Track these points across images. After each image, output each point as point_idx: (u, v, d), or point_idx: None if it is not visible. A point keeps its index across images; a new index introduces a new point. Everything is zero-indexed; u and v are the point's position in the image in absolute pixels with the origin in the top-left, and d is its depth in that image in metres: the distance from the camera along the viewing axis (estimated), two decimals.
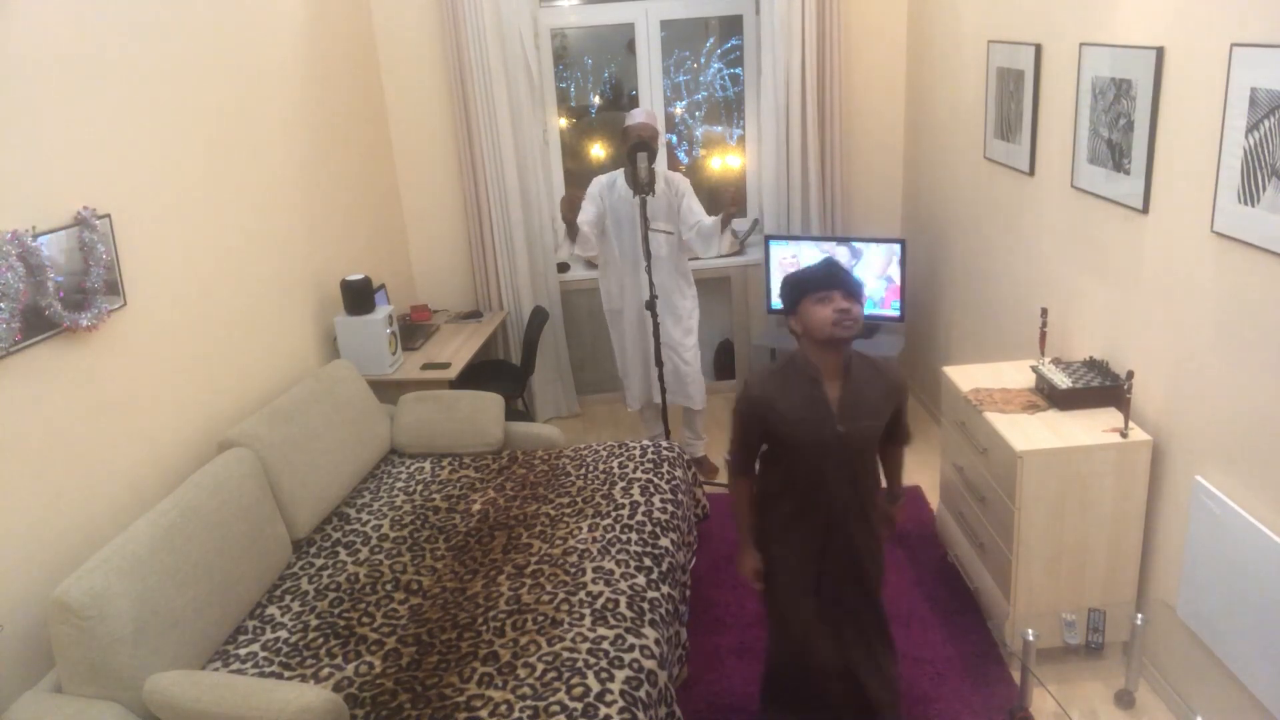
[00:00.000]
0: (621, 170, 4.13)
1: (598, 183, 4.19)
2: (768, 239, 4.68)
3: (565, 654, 2.42)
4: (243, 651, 2.56)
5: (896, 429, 2.48)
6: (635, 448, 3.53)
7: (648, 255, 3.90)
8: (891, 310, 4.50)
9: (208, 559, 2.57)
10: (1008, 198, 3.74)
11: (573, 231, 4.06)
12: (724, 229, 4.02)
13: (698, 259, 4.83)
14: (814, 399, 2.30)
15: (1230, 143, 2.31)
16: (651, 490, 3.23)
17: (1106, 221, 2.99)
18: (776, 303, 4.77)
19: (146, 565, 2.38)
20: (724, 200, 3.97)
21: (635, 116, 4.10)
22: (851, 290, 2.24)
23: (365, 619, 2.67)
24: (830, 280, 2.24)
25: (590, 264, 5.17)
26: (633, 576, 2.75)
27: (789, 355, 2.38)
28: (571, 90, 5.34)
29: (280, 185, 3.69)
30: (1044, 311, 3.23)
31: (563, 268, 5.12)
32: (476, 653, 2.47)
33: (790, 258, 4.62)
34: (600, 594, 2.66)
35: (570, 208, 4.00)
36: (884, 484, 2.57)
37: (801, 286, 2.27)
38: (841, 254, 4.55)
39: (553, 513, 3.15)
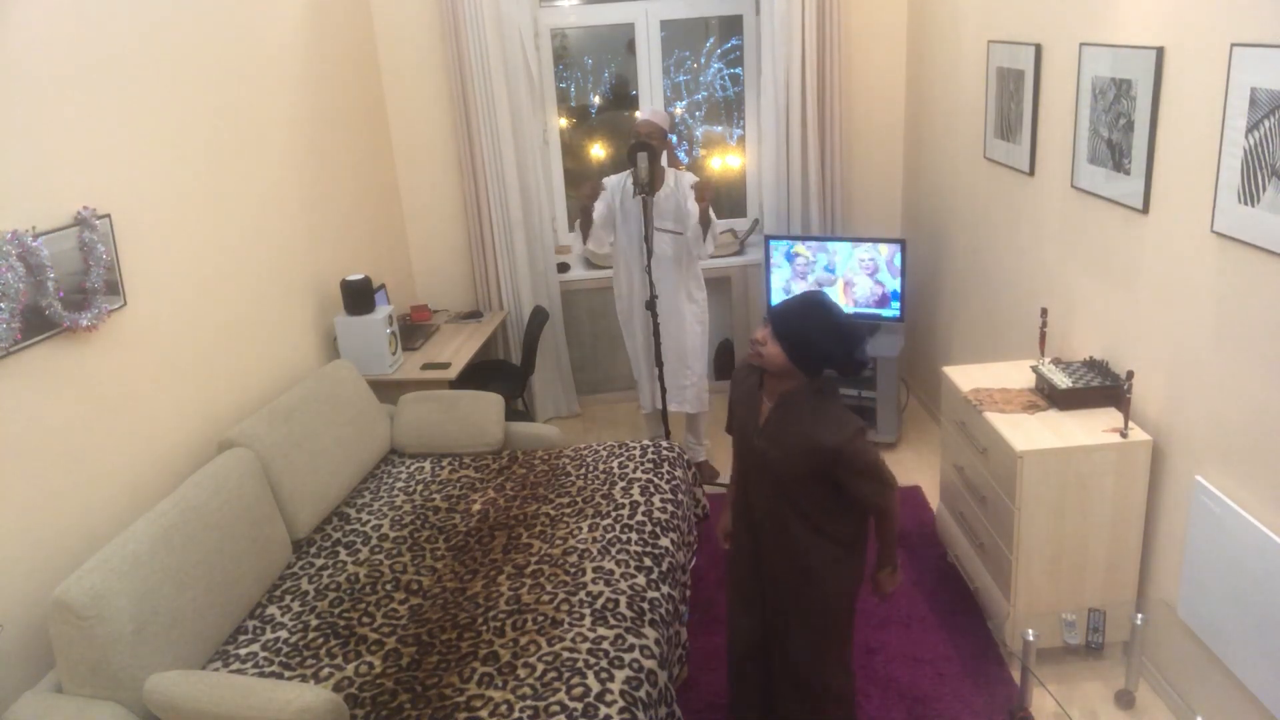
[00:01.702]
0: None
1: (608, 181, 4.18)
2: (768, 239, 4.68)
3: (565, 654, 2.42)
4: (243, 651, 2.56)
5: (848, 490, 2.31)
6: (635, 448, 3.53)
7: (649, 254, 3.90)
8: (891, 310, 4.50)
9: (208, 559, 2.57)
10: (1008, 198, 3.74)
11: (587, 223, 4.05)
12: (704, 228, 3.94)
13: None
14: (751, 401, 2.39)
15: (1230, 143, 2.31)
16: (651, 490, 3.23)
17: (1106, 221, 2.99)
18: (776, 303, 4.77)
19: (146, 565, 2.38)
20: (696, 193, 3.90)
21: (642, 114, 4.10)
22: (776, 327, 2.25)
23: (365, 619, 2.67)
24: (771, 312, 2.30)
25: (591, 264, 5.17)
26: (633, 576, 2.75)
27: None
28: (571, 90, 5.34)
29: (280, 185, 3.69)
30: (1044, 311, 3.22)
31: (563, 268, 5.12)
32: (476, 653, 2.47)
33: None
34: (600, 594, 2.66)
35: (592, 193, 3.99)
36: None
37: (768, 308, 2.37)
38: (837, 258, 4.55)
39: (553, 513, 3.15)
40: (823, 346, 2.22)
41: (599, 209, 4.11)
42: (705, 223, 3.96)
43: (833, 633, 2.49)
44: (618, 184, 4.13)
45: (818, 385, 2.30)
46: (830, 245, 4.57)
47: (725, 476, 4.42)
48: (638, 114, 4.10)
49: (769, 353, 2.25)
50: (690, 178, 4.13)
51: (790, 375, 2.27)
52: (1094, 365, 3.06)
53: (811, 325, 2.22)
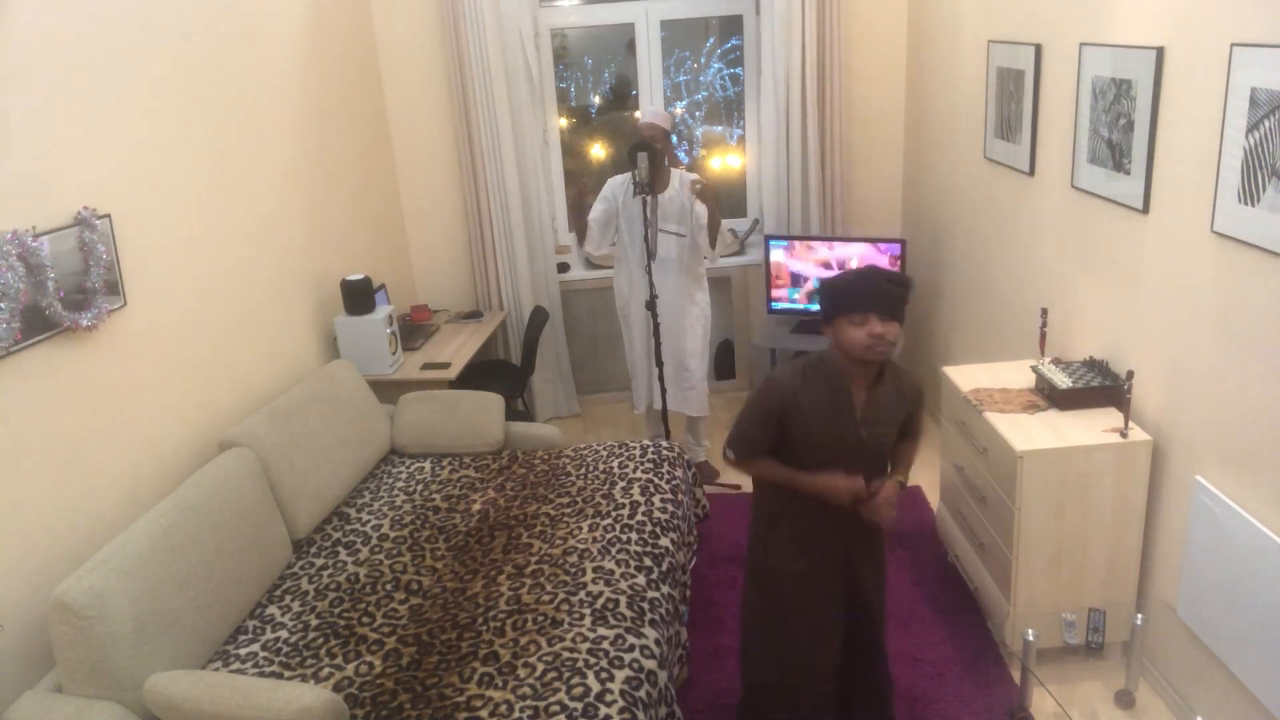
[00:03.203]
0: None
1: (613, 182, 4.17)
2: (768, 239, 4.68)
3: (565, 654, 2.42)
4: (243, 651, 2.56)
5: (910, 427, 2.45)
6: (635, 448, 3.53)
7: (650, 254, 3.90)
8: None
9: (208, 559, 2.57)
10: (1008, 198, 3.74)
11: (581, 227, 4.07)
12: (713, 230, 3.95)
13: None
14: (840, 402, 2.27)
15: (1230, 143, 2.31)
16: (651, 490, 3.23)
17: (1107, 221, 2.99)
18: (776, 303, 4.78)
19: (146, 565, 2.38)
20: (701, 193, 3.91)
21: (643, 115, 4.10)
22: (891, 310, 2.15)
23: (365, 619, 2.67)
24: (868, 300, 2.14)
25: (591, 264, 5.17)
26: (633, 576, 2.75)
27: (819, 355, 2.33)
28: (571, 90, 5.34)
29: (280, 185, 3.69)
30: (1044, 311, 3.22)
31: (563, 268, 5.12)
32: (476, 653, 2.47)
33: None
34: (600, 594, 2.66)
35: (579, 192, 4.03)
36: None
37: (838, 303, 2.18)
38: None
39: (553, 513, 3.15)
40: (903, 292, 2.20)
41: (598, 210, 4.11)
42: (714, 224, 3.96)
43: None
44: (621, 184, 4.12)
45: None
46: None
47: (725, 477, 4.41)
48: (639, 114, 4.10)
49: (894, 334, 2.16)
50: (691, 177, 4.13)
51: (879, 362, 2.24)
52: (1094, 365, 3.06)
53: (903, 288, 2.19)
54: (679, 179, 4.08)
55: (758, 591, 2.55)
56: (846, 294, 2.18)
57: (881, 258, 4.47)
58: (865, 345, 2.16)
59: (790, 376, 2.31)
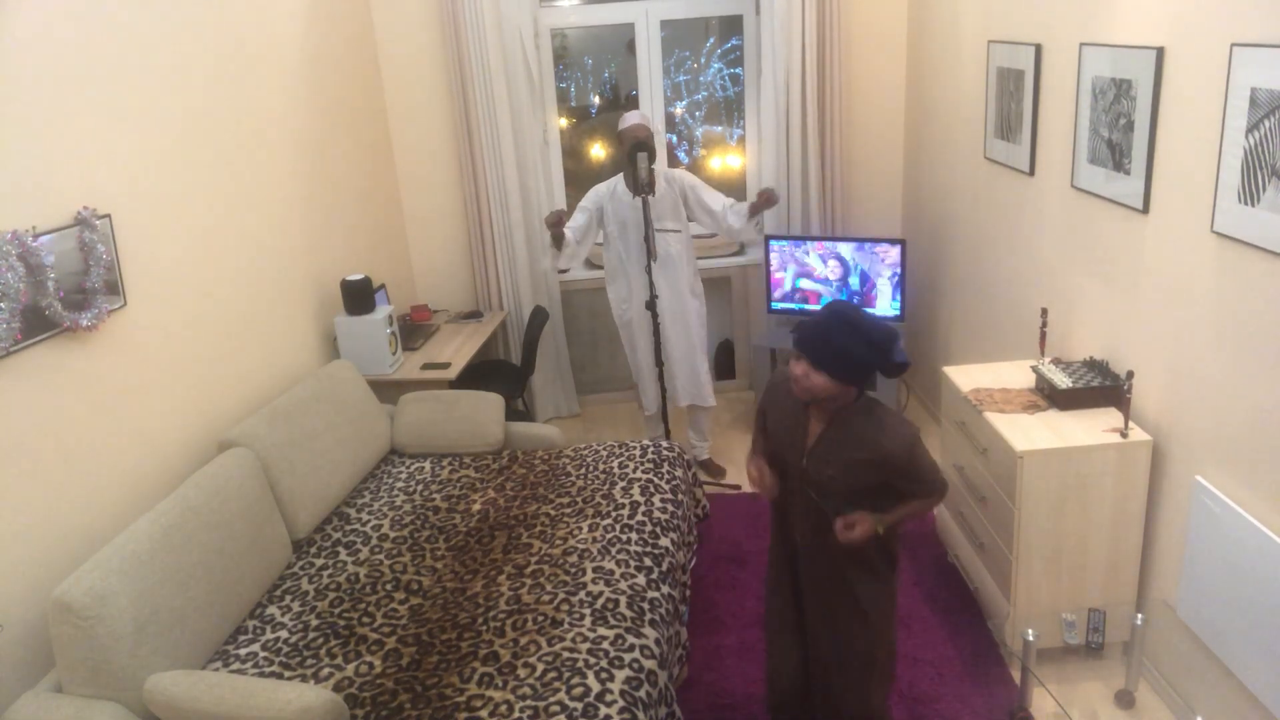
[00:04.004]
0: (620, 175, 4.13)
1: (596, 192, 4.19)
2: (768, 239, 4.68)
3: (565, 654, 2.42)
4: (243, 651, 2.56)
5: (900, 485, 2.28)
6: (635, 448, 3.53)
7: (651, 256, 3.91)
8: (891, 310, 4.50)
9: (208, 559, 2.57)
10: (1008, 198, 3.74)
11: (558, 242, 4.08)
12: (752, 217, 4.14)
13: (703, 258, 4.83)
14: (795, 424, 2.30)
15: (1230, 143, 2.31)
16: (651, 490, 3.23)
17: (1106, 221, 2.99)
18: (776, 303, 4.77)
19: (146, 565, 2.38)
20: (762, 196, 4.06)
21: (630, 119, 4.10)
22: (815, 358, 2.14)
23: (365, 619, 2.67)
24: (800, 343, 2.17)
25: (591, 264, 5.17)
26: (633, 576, 2.75)
27: None
28: (571, 90, 5.34)
29: (280, 185, 3.69)
30: (1044, 311, 3.22)
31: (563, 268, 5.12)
32: (476, 653, 2.47)
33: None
34: (600, 594, 2.66)
35: (557, 221, 4.02)
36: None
37: (793, 338, 2.22)
38: (832, 268, 4.55)
39: (553, 513, 3.15)
40: (863, 358, 2.13)
41: (577, 220, 4.14)
42: (754, 213, 4.14)
43: (878, 667, 2.45)
44: (608, 191, 4.14)
45: (867, 396, 2.26)
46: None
47: (730, 476, 4.42)
48: (626, 119, 4.09)
49: (815, 384, 2.15)
50: (679, 173, 4.20)
51: (842, 394, 2.19)
52: (1094, 365, 3.06)
53: (846, 343, 2.12)
54: (664, 177, 4.13)
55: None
56: (798, 330, 2.21)
57: (882, 258, 4.47)
58: (793, 379, 2.21)
59: (776, 383, 2.40)
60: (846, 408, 2.24)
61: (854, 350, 2.12)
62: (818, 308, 4.61)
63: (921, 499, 2.31)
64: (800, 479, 2.31)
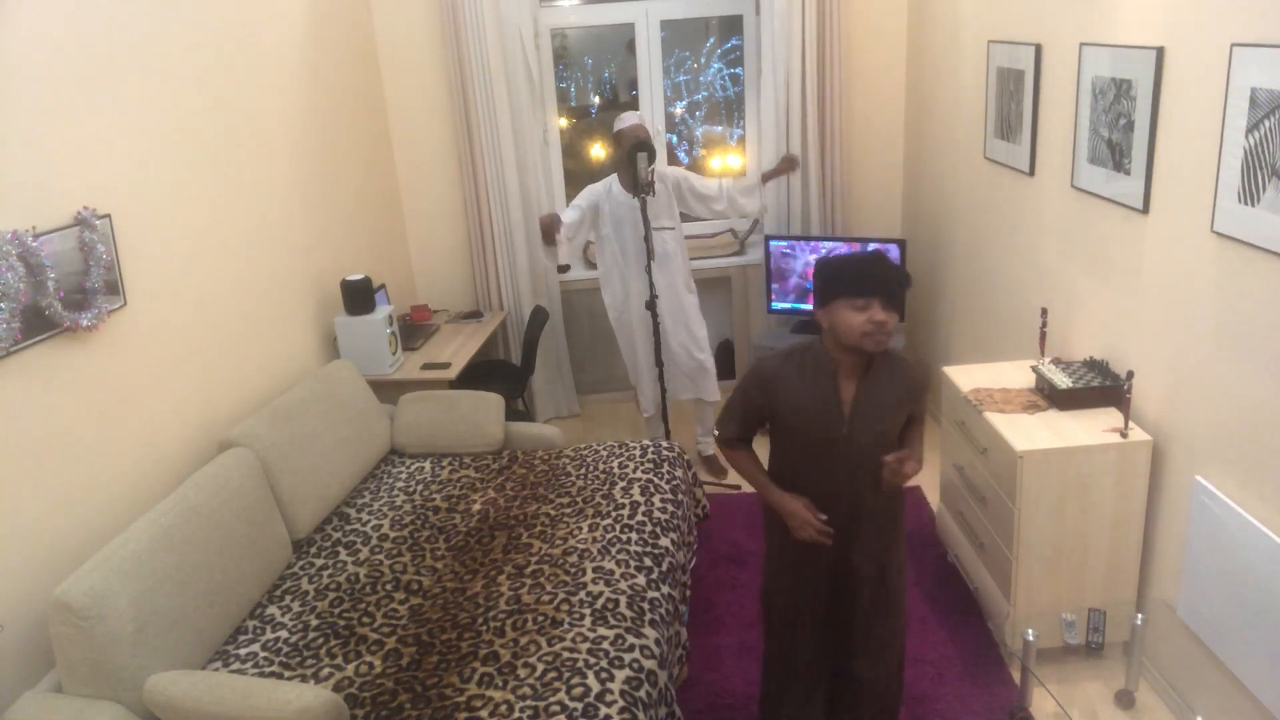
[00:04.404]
0: (615, 175, 4.14)
1: (592, 190, 4.20)
2: (768, 239, 4.68)
3: (565, 654, 2.42)
4: (243, 651, 2.56)
5: (918, 413, 2.33)
6: (635, 448, 3.53)
7: (650, 255, 3.91)
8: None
9: (208, 559, 2.57)
10: (1008, 198, 3.74)
11: (551, 242, 4.15)
12: (765, 182, 4.29)
13: (696, 259, 4.84)
14: (826, 395, 2.16)
15: (1230, 143, 2.31)
16: (651, 490, 3.23)
17: (1106, 221, 2.99)
18: (776, 303, 4.78)
19: (146, 565, 2.38)
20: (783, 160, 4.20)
21: (627, 120, 4.11)
22: (893, 300, 2.04)
23: (365, 619, 2.67)
24: (871, 284, 2.03)
25: (591, 264, 5.17)
26: (633, 576, 2.75)
27: (807, 342, 2.23)
28: (571, 90, 5.34)
29: (280, 185, 3.69)
30: (1044, 311, 3.23)
31: (563, 268, 5.10)
32: (476, 653, 2.47)
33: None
34: (600, 594, 2.66)
35: (548, 228, 4.09)
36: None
37: (838, 284, 2.06)
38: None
39: (553, 513, 3.15)
40: (904, 285, 2.10)
41: (571, 217, 4.17)
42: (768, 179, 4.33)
43: (903, 616, 2.46)
44: (604, 190, 4.15)
45: None
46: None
47: (732, 476, 4.41)
48: (623, 119, 4.10)
49: (893, 325, 2.06)
50: (670, 170, 4.24)
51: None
52: (1094, 365, 3.06)
53: (901, 272, 2.08)
54: (658, 176, 4.14)
55: (762, 582, 2.54)
56: (851, 275, 2.07)
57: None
58: (864, 332, 2.05)
59: (776, 364, 2.23)
60: (876, 355, 2.15)
61: (905, 278, 2.09)
62: None
63: (921, 416, 2.33)
64: (840, 451, 2.18)
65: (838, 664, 2.50)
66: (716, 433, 2.39)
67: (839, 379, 2.18)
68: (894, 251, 4.42)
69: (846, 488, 2.25)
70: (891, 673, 2.50)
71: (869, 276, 2.05)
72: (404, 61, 4.79)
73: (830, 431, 2.19)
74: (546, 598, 2.67)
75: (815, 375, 2.19)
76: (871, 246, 4.47)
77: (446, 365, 4.08)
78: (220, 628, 2.57)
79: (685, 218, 4.37)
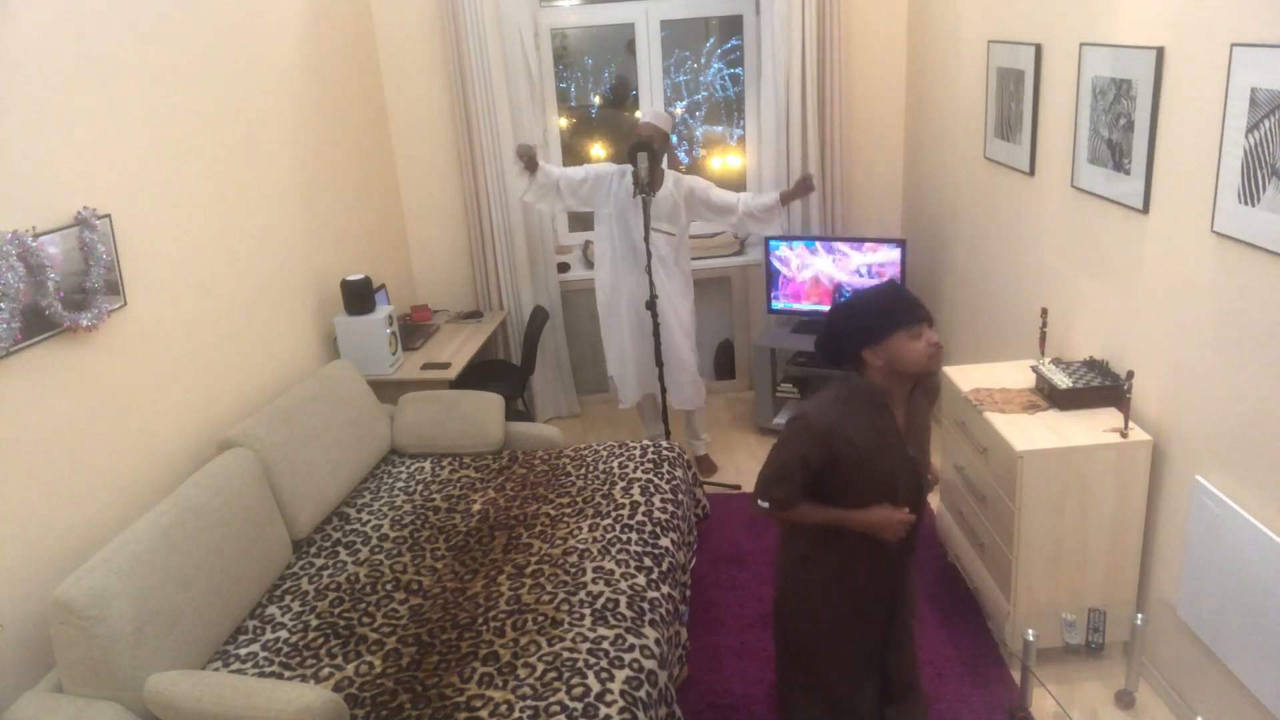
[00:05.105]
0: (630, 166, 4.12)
1: (605, 168, 4.17)
2: (768, 239, 4.68)
3: (565, 654, 2.42)
4: (243, 651, 2.56)
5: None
6: (635, 448, 3.53)
7: (648, 255, 3.90)
8: None
9: (208, 559, 2.57)
10: (1008, 198, 3.74)
11: (532, 168, 4.05)
12: (785, 205, 4.18)
13: (697, 259, 4.84)
14: (888, 429, 2.17)
15: (1230, 143, 2.31)
16: (651, 490, 3.23)
17: (1106, 221, 2.99)
18: (776, 303, 4.77)
19: (146, 565, 2.38)
20: (800, 183, 4.11)
21: (643, 115, 4.11)
22: (930, 317, 2.16)
23: (365, 619, 2.67)
24: (919, 311, 2.11)
25: (591, 264, 5.16)
26: (633, 576, 2.75)
27: (849, 384, 2.19)
28: (571, 90, 5.34)
29: (280, 185, 3.69)
30: (1044, 311, 3.22)
31: (563, 268, 5.12)
32: (477, 653, 2.47)
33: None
34: (600, 594, 2.66)
35: (529, 155, 4.00)
36: None
37: (889, 321, 2.10)
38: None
39: (553, 513, 3.15)
40: None
41: (575, 174, 4.13)
42: (788, 200, 4.20)
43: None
44: (618, 172, 4.12)
45: None
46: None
47: (727, 474, 4.41)
48: (639, 115, 4.10)
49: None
50: (691, 179, 4.17)
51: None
52: (1094, 365, 3.06)
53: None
54: (673, 180, 4.11)
55: (789, 637, 2.42)
56: (901, 309, 2.11)
57: (881, 258, 4.47)
58: (930, 355, 2.11)
59: (828, 412, 2.15)
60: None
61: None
62: (826, 307, 4.62)
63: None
64: (904, 477, 2.20)
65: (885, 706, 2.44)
66: (766, 504, 2.20)
67: (893, 409, 2.20)
68: (894, 252, 4.43)
69: (911, 511, 2.23)
70: (920, 699, 2.51)
71: (914, 304, 2.14)
72: (404, 61, 4.79)
73: (896, 464, 2.18)
74: (546, 598, 2.67)
75: (873, 413, 2.17)
76: (868, 245, 4.49)
77: (446, 365, 4.08)
78: (220, 628, 2.57)
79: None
